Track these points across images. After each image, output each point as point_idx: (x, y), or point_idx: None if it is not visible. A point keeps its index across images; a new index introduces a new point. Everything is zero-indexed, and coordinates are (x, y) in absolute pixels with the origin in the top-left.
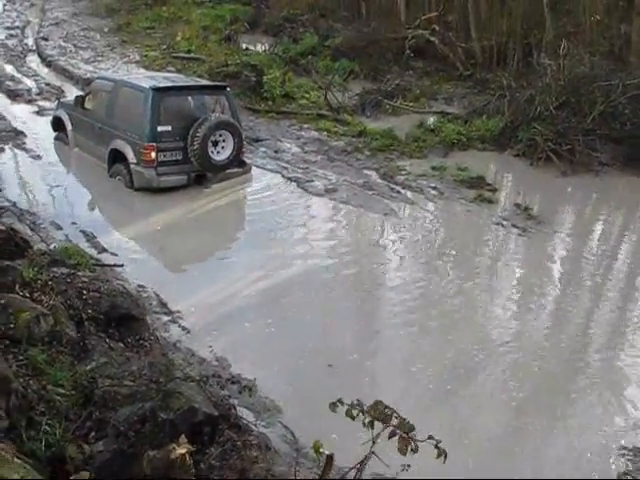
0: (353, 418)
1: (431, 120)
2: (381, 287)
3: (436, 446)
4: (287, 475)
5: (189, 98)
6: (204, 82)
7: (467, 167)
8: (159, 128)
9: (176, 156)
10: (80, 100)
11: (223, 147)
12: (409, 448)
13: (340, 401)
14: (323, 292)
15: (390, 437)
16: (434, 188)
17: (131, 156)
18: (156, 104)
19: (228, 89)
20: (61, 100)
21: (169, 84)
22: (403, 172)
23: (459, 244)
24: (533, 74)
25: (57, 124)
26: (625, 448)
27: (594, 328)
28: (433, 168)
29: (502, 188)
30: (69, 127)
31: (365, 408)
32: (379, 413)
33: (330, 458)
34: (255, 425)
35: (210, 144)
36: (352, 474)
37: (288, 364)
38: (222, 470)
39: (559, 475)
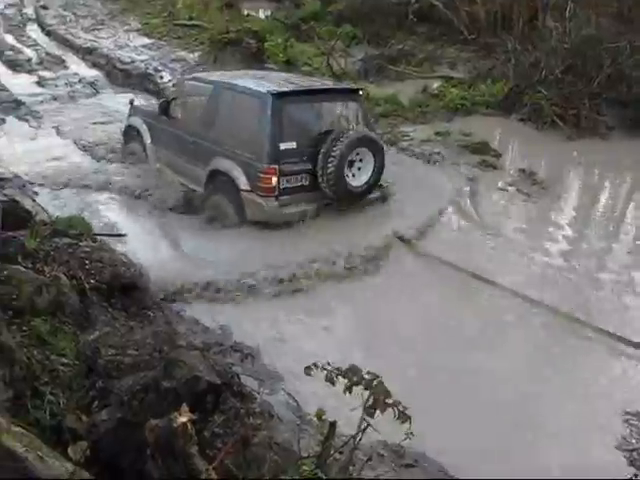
0: (333, 383)
1: (435, 85)
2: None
3: (402, 412)
4: (290, 441)
5: (316, 105)
6: (332, 84)
7: (471, 132)
8: (282, 146)
9: (302, 181)
10: (165, 106)
11: (359, 169)
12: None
13: (315, 364)
14: None
15: (372, 406)
16: (438, 154)
17: (243, 181)
18: (277, 114)
19: (361, 92)
20: (135, 105)
21: (291, 88)
22: (407, 138)
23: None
24: (539, 37)
25: (130, 135)
26: None
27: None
28: (437, 134)
29: (507, 153)
30: (148, 140)
31: (342, 371)
32: (359, 378)
33: (333, 425)
34: (258, 393)
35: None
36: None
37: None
38: (225, 437)
39: None
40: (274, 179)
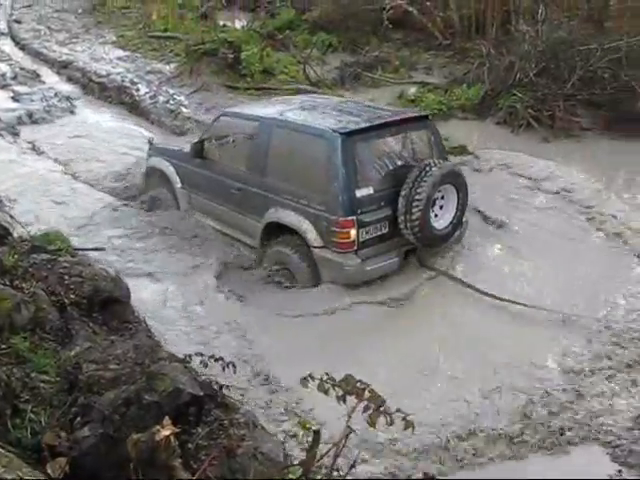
0: (326, 393)
1: (411, 91)
2: None
3: (404, 418)
4: (276, 451)
5: (388, 140)
6: (399, 113)
7: (449, 137)
8: (358, 193)
9: (381, 229)
10: (199, 148)
11: (441, 207)
12: (384, 420)
13: (311, 376)
14: None
15: (364, 411)
16: None
17: (313, 236)
18: (350, 157)
19: (430, 117)
20: (154, 144)
21: (358, 122)
22: None
23: None
24: (512, 41)
25: (152, 179)
26: None
27: None
28: None
29: (484, 156)
30: (178, 184)
31: (336, 382)
32: (351, 387)
33: (317, 434)
34: (242, 403)
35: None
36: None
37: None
38: (210, 449)
39: None
40: (353, 232)
